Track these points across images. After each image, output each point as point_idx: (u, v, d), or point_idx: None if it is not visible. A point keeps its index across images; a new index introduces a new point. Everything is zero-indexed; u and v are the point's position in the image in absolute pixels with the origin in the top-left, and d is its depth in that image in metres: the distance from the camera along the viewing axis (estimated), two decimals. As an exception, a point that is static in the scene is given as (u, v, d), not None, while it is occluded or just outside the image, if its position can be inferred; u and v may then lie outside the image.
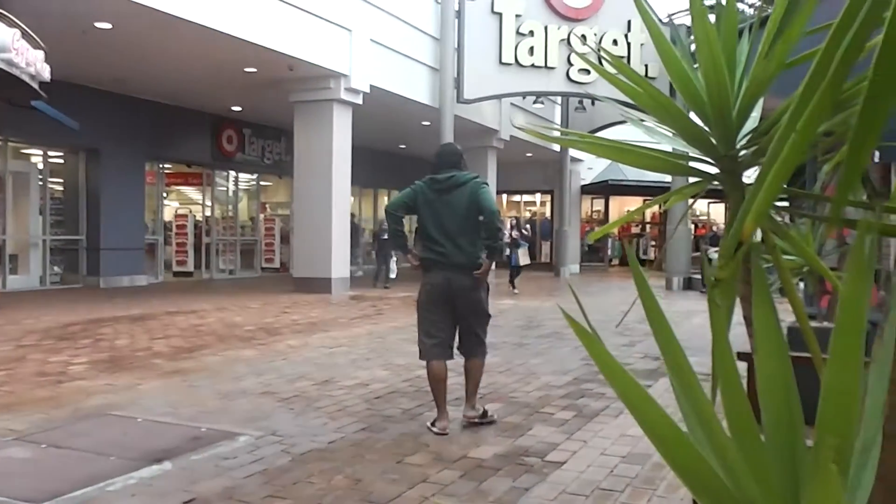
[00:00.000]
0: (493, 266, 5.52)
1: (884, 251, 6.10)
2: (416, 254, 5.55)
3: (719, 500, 0.88)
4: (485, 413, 5.54)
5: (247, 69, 15.27)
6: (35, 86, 10.84)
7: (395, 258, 18.94)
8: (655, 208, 30.07)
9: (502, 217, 27.25)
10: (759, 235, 1.56)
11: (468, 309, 5.39)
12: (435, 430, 5.23)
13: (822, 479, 0.66)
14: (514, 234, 18.30)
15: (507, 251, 17.47)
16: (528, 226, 28.38)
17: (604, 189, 30.15)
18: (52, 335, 9.71)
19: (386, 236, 17.81)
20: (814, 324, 5.28)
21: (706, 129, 1.54)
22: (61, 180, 18.04)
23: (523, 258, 18.50)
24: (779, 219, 1.69)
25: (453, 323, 5.41)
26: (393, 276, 19.00)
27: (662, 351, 0.97)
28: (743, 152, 1.52)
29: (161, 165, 19.96)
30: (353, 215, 25.04)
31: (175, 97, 18.33)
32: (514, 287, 18.18)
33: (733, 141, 1.49)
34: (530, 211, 32.41)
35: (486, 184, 5.51)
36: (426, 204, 5.37)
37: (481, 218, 5.30)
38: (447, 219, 5.30)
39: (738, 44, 1.58)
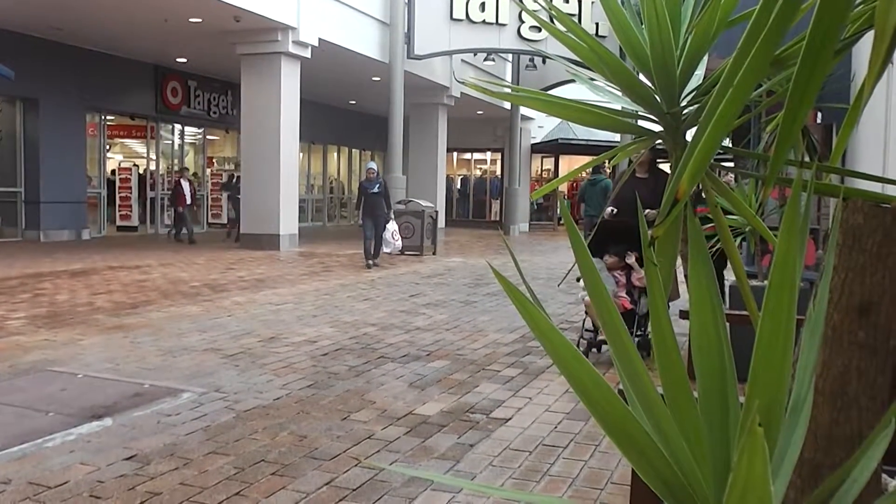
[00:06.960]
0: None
1: (823, 211, 6.22)
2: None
3: (649, 459, 0.88)
4: None
5: (192, 19, 14.84)
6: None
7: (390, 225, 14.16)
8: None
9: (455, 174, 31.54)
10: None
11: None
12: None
13: (749, 440, 0.66)
14: None
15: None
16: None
17: (554, 148, 30.20)
18: (-12, 290, 9.46)
19: (376, 189, 13.61)
20: (755, 283, 5.38)
21: (651, 86, 1.53)
22: (-3, 130, 17.47)
23: None
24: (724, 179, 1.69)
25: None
26: (387, 250, 14.16)
27: (597, 311, 0.96)
28: (686, 110, 1.52)
29: (103, 117, 19.40)
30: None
31: (117, 47, 17.75)
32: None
33: (676, 98, 1.49)
34: (480, 169, 32.36)
35: (609, 185, 13.52)
36: (587, 192, 13.36)
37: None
38: (593, 198, 13.02)
39: (683, 2, 1.57)
